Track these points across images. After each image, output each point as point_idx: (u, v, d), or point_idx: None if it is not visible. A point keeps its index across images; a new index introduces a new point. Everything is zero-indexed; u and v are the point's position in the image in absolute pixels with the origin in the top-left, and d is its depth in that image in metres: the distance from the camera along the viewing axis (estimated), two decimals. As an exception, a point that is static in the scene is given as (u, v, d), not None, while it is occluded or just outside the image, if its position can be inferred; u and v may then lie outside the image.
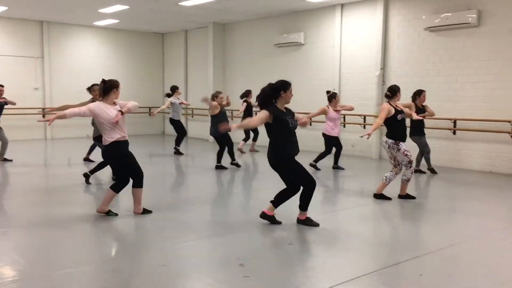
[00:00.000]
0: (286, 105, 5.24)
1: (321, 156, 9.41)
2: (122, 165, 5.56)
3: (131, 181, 5.62)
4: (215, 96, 9.35)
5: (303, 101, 12.79)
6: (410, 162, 6.47)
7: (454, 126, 9.80)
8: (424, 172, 9.04)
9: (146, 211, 5.79)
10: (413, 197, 6.75)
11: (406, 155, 6.44)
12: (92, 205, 6.18)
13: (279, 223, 5.36)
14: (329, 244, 4.88)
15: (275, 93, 5.11)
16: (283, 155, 5.10)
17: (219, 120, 8.86)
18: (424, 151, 8.99)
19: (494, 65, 9.21)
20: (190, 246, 4.73)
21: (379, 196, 6.69)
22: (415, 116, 7.21)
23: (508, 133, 8.99)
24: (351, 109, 9.63)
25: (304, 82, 12.76)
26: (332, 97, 9.42)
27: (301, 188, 5.23)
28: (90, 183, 7.60)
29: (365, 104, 11.25)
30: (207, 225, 5.59)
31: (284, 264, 4.29)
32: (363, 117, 11.34)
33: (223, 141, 9.34)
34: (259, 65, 14.16)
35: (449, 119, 9.82)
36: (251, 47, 14.48)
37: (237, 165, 9.58)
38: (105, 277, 3.96)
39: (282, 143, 5.09)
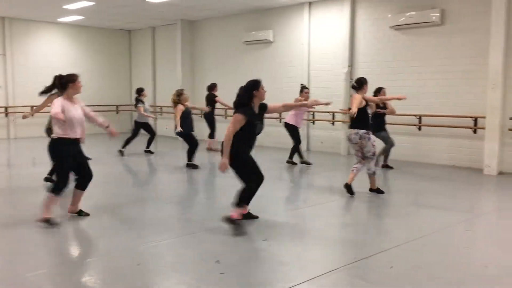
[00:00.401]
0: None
1: (295, 150, 9.54)
2: (60, 164, 5.37)
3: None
4: (179, 94, 9.23)
5: (272, 98, 12.87)
6: (374, 154, 6.72)
7: (419, 122, 10.10)
8: (392, 167, 9.29)
9: (81, 213, 5.58)
10: (382, 192, 6.93)
11: (373, 145, 6.68)
12: (58, 206, 6.07)
13: (256, 217, 5.43)
14: (302, 239, 4.98)
15: (249, 94, 5.16)
16: (239, 153, 5.12)
17: (184, 118, 8.92)
18: (391, 144, 9.20)
19: (456, 63, 9.54)
20: (164, 244, 4.74)
21: (349, 187, 6.75)
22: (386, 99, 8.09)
23: (470, 128, 9.33)
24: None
25: (274, 79, 12.85)
26: (303, 89, 9.61)
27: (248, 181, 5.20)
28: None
29: (334, 100, 11.34)
30: (180, 223, 5.60)
31: (260, 259, 4.36)
32: (331, 113, 11.53)
33: (189, 139, 9.33)
34: (229, 62, 14.18)
35: (414, 115, 10.11)
36: (220, 44, 14.48)
37: (194, 166, 9.27)
38: (79, 279, 3.93)
39: (241, 144, 5.10)
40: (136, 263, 4.15)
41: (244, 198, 5.17)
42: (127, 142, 11.04)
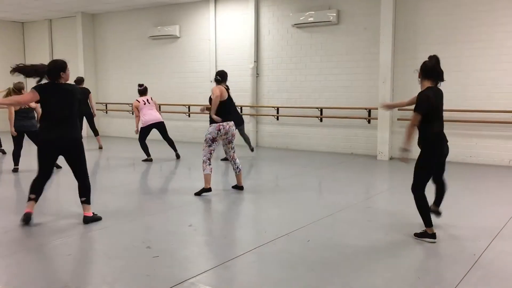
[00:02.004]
0: None
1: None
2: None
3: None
4: (16, 89, 8.16)
5: (179, 93, 13.05)
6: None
7: (321, 114, 10.92)
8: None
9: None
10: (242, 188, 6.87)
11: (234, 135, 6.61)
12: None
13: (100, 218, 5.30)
14: (226, 223, 5.31)
15: (57, 74, 4.98)
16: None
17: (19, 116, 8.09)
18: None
19: (352, 59, 10.46)
20: (94, 235, 4.79)
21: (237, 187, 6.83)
22: None
23: (365, 118, 10.31)
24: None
25: (181, 74, 12.99)
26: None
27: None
28: None
29: (242, 95, 11.87)
30: (106, 213, 5.63)
31: (189, 243, 4.60)
32: (239, 107, 11.96)
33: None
34: (134, 57, 14.00)
35: (316, 108, 10.90)
36: (125, 39, 14.23)
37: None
38: (11, 271, 3.88)
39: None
40: (67, 254, 4.19)
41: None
42: None
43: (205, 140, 6.44)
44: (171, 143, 9.94)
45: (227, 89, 6.72)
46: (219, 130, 6.38)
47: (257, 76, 11.77)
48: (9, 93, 8.17)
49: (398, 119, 9.85)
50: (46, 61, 15.72)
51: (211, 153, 6.41)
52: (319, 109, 10.90)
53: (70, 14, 14.70)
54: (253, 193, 6.75)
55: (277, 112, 11.49)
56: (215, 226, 5.40)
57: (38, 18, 15.66)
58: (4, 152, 10.55)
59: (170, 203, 6.24)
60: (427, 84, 4.55)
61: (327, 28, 10.69)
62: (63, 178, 7.83)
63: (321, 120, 10.94)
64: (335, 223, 5.27)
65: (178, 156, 9.89)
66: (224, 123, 6.40)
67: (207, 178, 6.39)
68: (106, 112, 14.89)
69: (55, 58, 15.63)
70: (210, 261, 4.12)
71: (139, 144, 9.59)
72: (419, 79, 4.64)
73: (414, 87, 9.76)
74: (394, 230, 4.93)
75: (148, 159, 9.58)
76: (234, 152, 6.68)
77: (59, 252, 4.29)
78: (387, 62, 9.72)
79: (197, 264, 4.03)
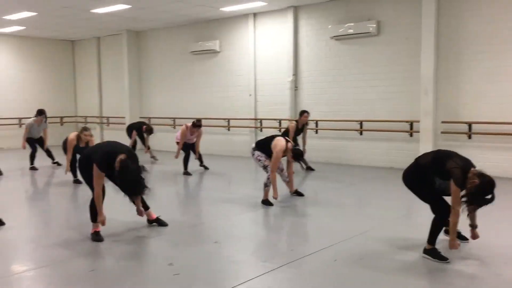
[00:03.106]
0: None
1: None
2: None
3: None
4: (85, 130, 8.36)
5: (219, 107, 13.15)
6: (265, 167, 6.81)
7: (361, 127, 10.65)
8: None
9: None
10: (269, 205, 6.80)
11: (259, 160, 6.89)
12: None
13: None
14: (250, 241, 5.22)
15: None
16: None
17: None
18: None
19: (393, 70, 10.16)
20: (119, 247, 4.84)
21: (265, 201, 6.77)
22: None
23: (407, 132, 9.96)
24: None
25: (221, 88, 13.10)
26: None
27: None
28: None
29: (280, 108, 11.84)
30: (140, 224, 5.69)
31: (213, 260, 4.53)
32: (278, 120, 11.91)
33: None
34: (176, 72, 14.27)
35: (356, 121, 10.64)
36: (167, 54, 14.55)
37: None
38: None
39: None
40: (90, 269, 4.23)
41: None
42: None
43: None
44: (200, 156, 10.11)
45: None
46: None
47: (295, 89, 11.67)
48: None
49: (442, 132, 9.44)
50: (94, 77, 16.24)
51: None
52: (359, 122, 10.64)
53: (116, 32, 15.24)
54: (286, 208, 6.62)
55: (316, 126, 11.32)
56: (241, 243, 5.31)
57: (87, 36, 16.33)
58: (59, 164, 10.91)
59: (201, 215, 6.23)
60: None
61: (367, 39, 10.46)
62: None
63: (361, 134, 10.67)
64: (367, 241, 5.05)
65: (204, 167, 10.19)
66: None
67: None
68: (150, 126, 15.21)
69: (103, 74, 16.47)
70: (228, 281, 4.01)
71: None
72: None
73: (458, 98, 9.44)
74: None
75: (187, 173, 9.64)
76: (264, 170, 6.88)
77: (81, 268, 4.34)
78: (429, 73, 9.36)
79: (214, 285, 3.95)
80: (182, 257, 4.57)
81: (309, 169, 9.98)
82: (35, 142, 10.64)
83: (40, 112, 10.60)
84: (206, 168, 10.20)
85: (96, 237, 5.02)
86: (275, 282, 3.94)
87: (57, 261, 4.45)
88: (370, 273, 4.10)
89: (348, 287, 3.85)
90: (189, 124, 9.65)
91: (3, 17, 12.50)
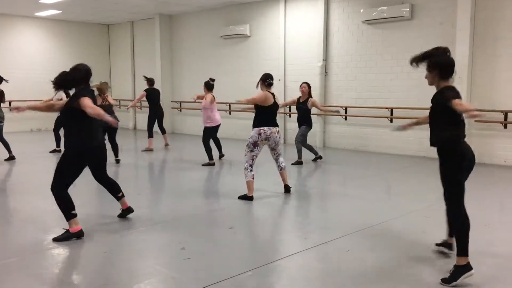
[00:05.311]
0: None
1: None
2: None
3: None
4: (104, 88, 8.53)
5: (249, 91, 13.06)
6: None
7: (391, 114, 10.37)
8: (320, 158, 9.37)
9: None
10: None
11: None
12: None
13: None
14: (263, 228, 5.19)
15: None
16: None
17: None
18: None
19: (426, 56, 9.78)
20: (132, 234, 4.91)
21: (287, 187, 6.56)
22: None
23: (439, 120, 9.61)
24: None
25: (251, 72, 12.98)
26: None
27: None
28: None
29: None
30: (143, 216, 5.76)
31: (224, 246, 4.53)
32: (307, 106, 11.74)
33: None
34: (206, 56, 14.30)
35: (386, 108, 10.37)
36: (198, 38, 14.58)
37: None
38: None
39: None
40: (103, 251, 4.32)
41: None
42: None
43: (247, 144, 6.24)
44: (219, 143, 9.68)
45: (273, 95, 6.39)
46: (259, 134, 6.16)
47: (325, 75, 11.47)
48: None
49: (476, 121, 9.07)
50: (128, 60, 16.37)
51: (253, 159, 6.18)
52: (389, 109, 10.36)
53: (149, 15, 15.37)
54: (302, 197, 6.56)
55: (346, 112, 11.11)
56: (257, 229, 5.29)
57: (122, 20, 16.56)
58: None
59: (215, 204, 6.25)
60: (444, 84, 3.76)
61: (400, 23, 10.12)
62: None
63: (391, 121, 10.39)
64: (383, 232, 4.92)
65: (221, 157, 9.68)
66: (266, 128, 6.17)
67: (249, 185, 6.14)
68: (180, 111, 15.37)
69: (136, 57, 16.69)
70: (238, 267, 4.00)
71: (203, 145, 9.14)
72: (430, 78, 3.83)
73: (493, 84, 9.01)
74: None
75: (211, 163, 8.99)
76: (278, 157, 6.51)
77: (96, 250, 4.43)
78: (464, 59, 8.98)
79: (224, 269, 3.95)
80: (194, 242, 4.59)
81: (318, 158, 9.34)
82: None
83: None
84: (222, 155, 9.72)
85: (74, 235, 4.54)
86: (289, 268, 3.91)
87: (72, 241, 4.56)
88: (382, 264, 4.00)
89: (357, 279, 3.76)
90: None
91: (40, 1, 12.80)
